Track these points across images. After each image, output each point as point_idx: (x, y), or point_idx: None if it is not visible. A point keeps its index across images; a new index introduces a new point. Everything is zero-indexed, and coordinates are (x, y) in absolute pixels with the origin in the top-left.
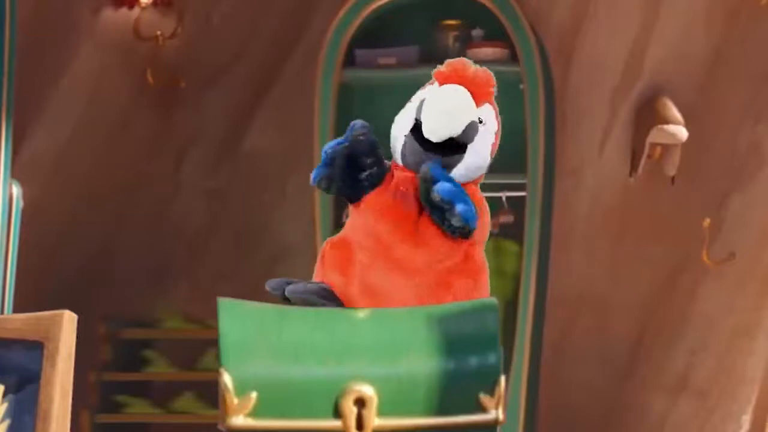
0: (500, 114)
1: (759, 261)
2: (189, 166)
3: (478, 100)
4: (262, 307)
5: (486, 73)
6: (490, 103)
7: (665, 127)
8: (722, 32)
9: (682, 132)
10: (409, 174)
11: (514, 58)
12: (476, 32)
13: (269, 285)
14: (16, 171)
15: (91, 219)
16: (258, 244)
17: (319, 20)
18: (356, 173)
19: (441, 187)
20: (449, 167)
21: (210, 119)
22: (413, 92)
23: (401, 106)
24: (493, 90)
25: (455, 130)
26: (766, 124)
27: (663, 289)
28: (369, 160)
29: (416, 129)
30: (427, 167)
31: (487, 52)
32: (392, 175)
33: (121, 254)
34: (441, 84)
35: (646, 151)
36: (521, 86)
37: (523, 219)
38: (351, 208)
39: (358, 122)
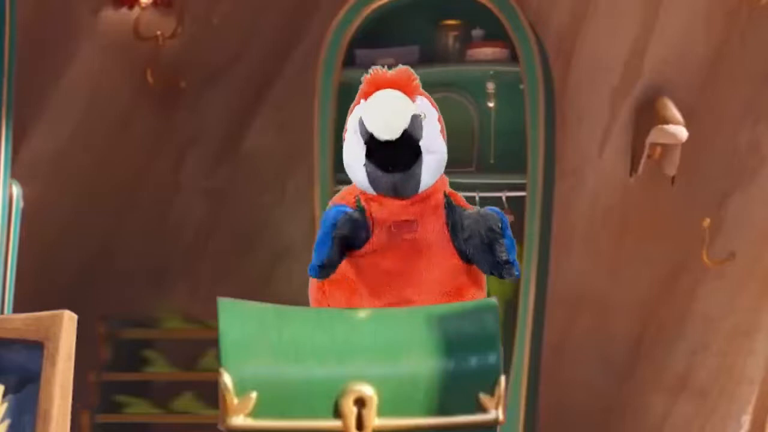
0: (500, 114)
1: (759, 261)
2: (189, 166)
3: (409, 96)
4: (262, 307)
5: (404, 70)
6: (422, 95)
7: (665, 127)
8: (722, 32)
9: (682, 132)
10: (392, 202)
11: (514, 58)
12: (476, 32)
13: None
14: (16, 171)
15: (91, 219)
16: (258, 244)
17: (319, 20)
18: (350, 247)
19: (509, 245)
20: (417, 178)
21: (210, 119)
22: None
23: None
24: (417, 82)
25: (403, 121)
26: (766, 124)
27: (663, 289)
28: (361, 236)
29: (370, 153)
30: (498, 219)
31: (487, 52)
32: (370, 209)
33: (121, 254)
34: (368, 97)
35: (646, 151)
36: (521, 86)
37: (523, 219)
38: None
39: (332, 216)
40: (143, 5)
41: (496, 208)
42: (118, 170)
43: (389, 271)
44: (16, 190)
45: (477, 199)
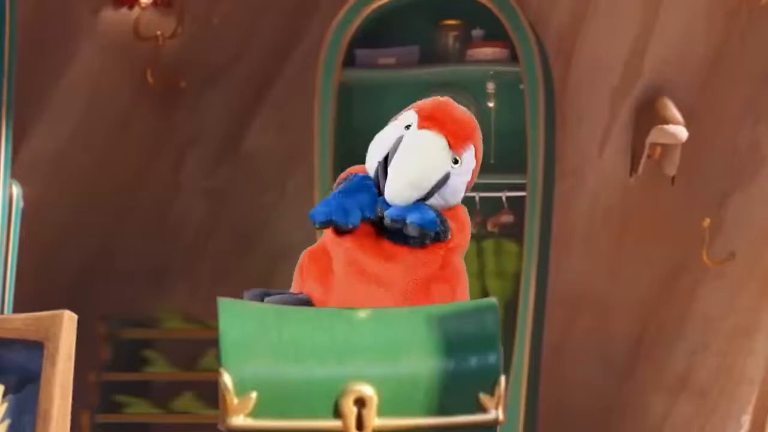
0: (500, 114)
1: (759, 261)
2: (189, 166)
3: (458, 146)
4: (262, 307)
5: (467, 118)
6: (473, 143)
7: (665, 127)
8: (722, 32)
9: (682, 132)
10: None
11: (514, 58)
12: (476, 32)
13: (248, 295)
14: (16, 171)
15: (91, 219)
16: (258, 244)
17: (319, 20)
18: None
19: (388, 213)
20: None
21: (210, 119)
22: (413, 92)
23: (401, 106)
24: (474, 134)
25: (416, 196)
26: (766, 124)
27: (663, 289)
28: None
29: (386, 162)
30: (380, 207)
31: (487, 52)
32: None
33: (121, 254)
34: (419, 126)
35: (646, 151)
36: (521, 86)
37: (523, 219)
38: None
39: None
40: (143, 5)
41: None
42: (118, 170)
43: (351, 246)
44: (16, 190)
45: (477, 199)
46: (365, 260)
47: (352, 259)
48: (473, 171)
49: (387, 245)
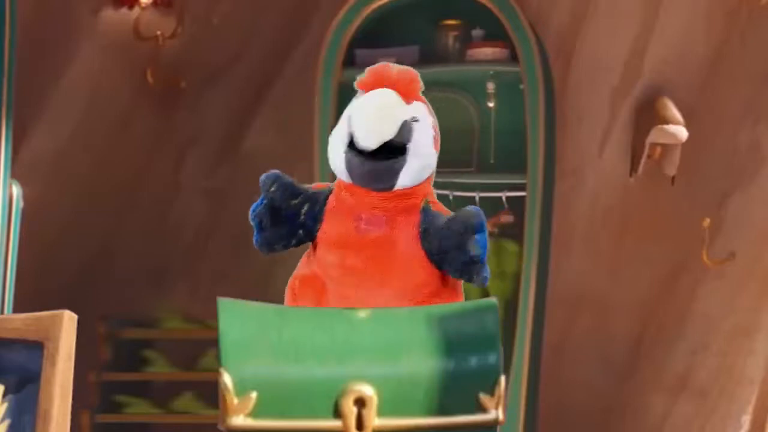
0: (500, 114)
1: (759, 261)
2: (189, 166)
3: (407, 99)
4: (262, 307)
5: (409, 72)
6: (420, 100)
7: (665, 127)
8: (722, 32)
9: (682, 132)
10: (364, 194)
11: (514, 58)
12: (476, 32)
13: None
14: (16, 171)
15: (91, 219)
16: None
17: (319, 20)
18: (292, 220)
19: (481, 242)
20: (394, 173)
21: (210, 119)
22: None
23: None
24: (419, 86)
25: (388, 132)
26: (766, 124)
27: (663, 289)
28: (294, 201)
29: (353, 142)
30: (475, 214)
31: (487, 52)
32: (339, 198)
33: (121, 254)
34: (366, 92)
35: (646, 151)
36: (521, 86)
37: (523, 219)
38: (311, 246)
39: (263, 176)
40: (143, 5)
41: (477, 207)
42: (118, 170)
43: (354, 269)
44: (16, 190)
45: (477, 199)
46: (374, 277)
47: (358, 278)
48: (434, 128)
49: (400, 261)
